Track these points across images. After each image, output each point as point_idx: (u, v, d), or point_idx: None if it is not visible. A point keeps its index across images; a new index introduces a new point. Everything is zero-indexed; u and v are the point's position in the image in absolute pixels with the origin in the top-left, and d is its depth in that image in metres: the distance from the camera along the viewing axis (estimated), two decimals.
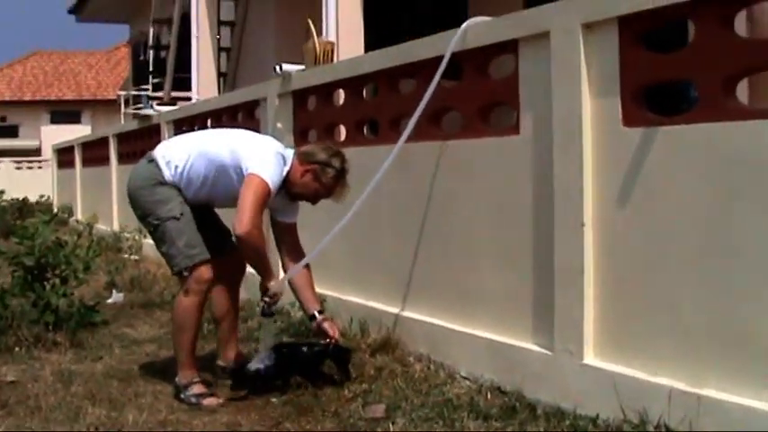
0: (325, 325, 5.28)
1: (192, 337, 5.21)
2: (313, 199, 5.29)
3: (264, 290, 5.15)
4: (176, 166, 5.15)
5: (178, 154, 5.18)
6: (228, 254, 5.29)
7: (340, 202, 5.25)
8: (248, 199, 4.88)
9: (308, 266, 5.32)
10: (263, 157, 5.02)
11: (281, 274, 5.50)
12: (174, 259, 5.13)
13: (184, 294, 5.15)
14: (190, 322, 5.16)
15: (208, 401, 5.03)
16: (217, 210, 5.52)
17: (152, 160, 5.21)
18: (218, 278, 5.30)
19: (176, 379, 5.24)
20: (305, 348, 5.37)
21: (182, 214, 5.11)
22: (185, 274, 5.11)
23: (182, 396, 5.12)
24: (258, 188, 4.91)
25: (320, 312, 5.36)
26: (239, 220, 4.86)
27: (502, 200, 5.18)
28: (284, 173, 5.12)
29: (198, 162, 5.14)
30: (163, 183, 5.14)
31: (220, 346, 5.77)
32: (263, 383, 5.11)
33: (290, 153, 5.22)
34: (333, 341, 5.23)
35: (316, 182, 5.15)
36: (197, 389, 5.14)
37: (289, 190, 5.20)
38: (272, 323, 5.41)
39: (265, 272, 5.15)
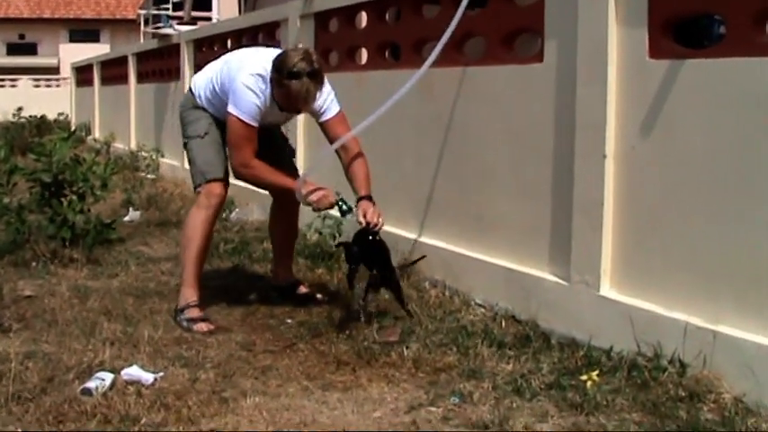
0: (366, 209, 4.91)
1: (197, 253, 5.22)
2: (291, 109, 5.16)
3: (299, 194, 5.03)
4: (200, 93, 5.33)
5: (201, 81, 5.37)
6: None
7: (309, 107, 5.06)
8: (230, 141, 5.11)
9: (361, 155, 5.10)
10: (235, 90, 5.03)
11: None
12: (193, 177, 5.30)
13: (194, 208, 5.27)
14: (195, 235, 5.21)
15: (198, 327, 5.00)
16: None
17: (190, 87, 5.46)
18: (276, 198, 5.50)
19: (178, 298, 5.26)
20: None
21: (206, 133, 5.27)
22: (199, 190, 5.23)
23: (177, 319, 5.12)
24: (233, 127, 5.04)
25: (367, 198, 4.99)
26: (231, 163, 5.17)
27: (523, 128, 5.13)
28: (267, 92, 5.00)
29: (211, 90, 5.27)
30: (196, 107, 5.35)
31: (273, 263, 5.91)
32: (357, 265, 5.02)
33: None
34: (371, 226, 4.87)
35: (280, 91, 4.94)
36: (190, 312, 5.11)
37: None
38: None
39: (282, 187, 5.14)
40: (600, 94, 4.43)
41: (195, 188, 5.29)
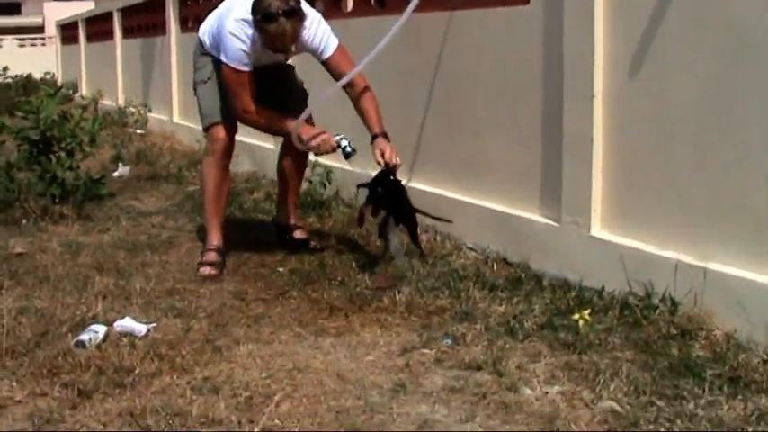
0: (383, 148, 4.91)
1: (213, 197, 5.37)
2: (276, 51, 5.05)
3: (298, 140, 5.07)
4: (205, 40, 5.37)
5: (206, 27, 5.40)
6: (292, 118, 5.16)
7: (291, 51, 5.07)
8: (227, 90, 5.17)
9: (368, 90, 5.09)
10: (222, 38, 5.06)
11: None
12: (201, 120, 5.44)
13: (205, 153, 5.45)
14: (206, 179, 5.39)
15: (201, 270, 5.13)
16: None
17: (199, 34, 5.49)
18: (285, 139, 5.50)
19: None
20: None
21: (208, 79, 5.35)
22: (205, 135, 5.48)
23: None
24: (226, 75, 5.10)
25: (381, 135, 4.98)
26: (233, 110, 5.20)
27: (510, 71, 5.10)
28: (254, 36, 4.94)
29: (211, 36, 5.29)
30: (203, 53, 5.41)
31: (276, 201, 5.99)
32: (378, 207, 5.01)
33: None
34: (389, 165, 4.87)
35: (261, 34, 4.87)
36: (204, 256, 5.25)
37: None
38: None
39: (281, 130, 5.24)
40: (587, 33, 4.40)
41: (204, 134, 5.50)
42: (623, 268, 4.22)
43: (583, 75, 4.45)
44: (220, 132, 5.28)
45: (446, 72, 5.63)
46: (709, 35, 3.89)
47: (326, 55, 5.10)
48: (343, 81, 5.01)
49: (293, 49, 5.07)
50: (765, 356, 3.50)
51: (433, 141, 5.82)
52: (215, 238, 5.33)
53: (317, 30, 5.06)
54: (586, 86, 4.43)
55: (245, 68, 5.01)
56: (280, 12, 4.70)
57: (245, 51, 4.97)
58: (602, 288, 4.30)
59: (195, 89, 5.47)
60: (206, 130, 5.38)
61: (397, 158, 4.89)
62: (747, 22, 3.71)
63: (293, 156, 5.58)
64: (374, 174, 5.00)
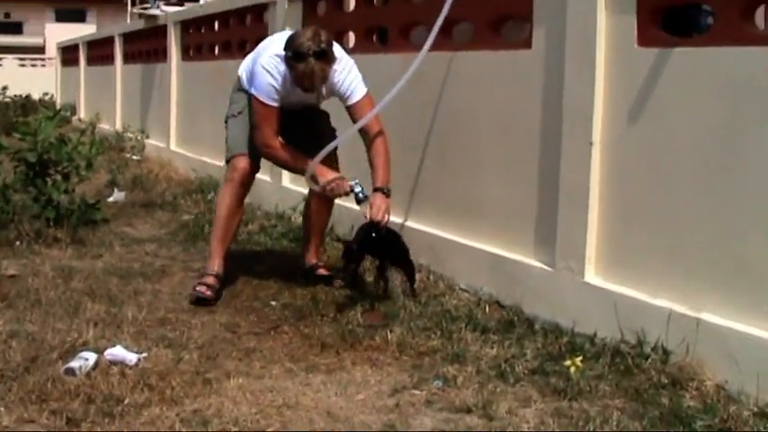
0: (375, 203, 4.94)
1: (221, 224, 5.42)
2: (305, 90, 5.10)
3: (313, 180, 5.12)
4: (242, 76, 5.46)
5: (245, 65, 5.49)
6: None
7: (318, 89, 5.06)
8: (252, 122, 5.26)
9: (382, 142, 5.13)
10: (254, 71, 5.21)
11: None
12: (225, 152, 5.50)
13: (223, 181, 5.51)
14: (219, 206, 5.47)
15: (198, 289, 5.18)
16: None
17: (239, 71, 5.56)
18: None
19: None
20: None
21: (239, 113, 5.44)
22: (226, 166, 5.49)
23: None
24: (254, 107, 5.21)
25: (381, 190, 5.01)
26: (255, 143, 5.26)
27: (511, 114, 5.13)
28: (285, 73, 5.05)
29: (248, 73, 5.38)
30: (240, 89, 5.49)
31: (302, 245, 5.95)
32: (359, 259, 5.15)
33: None
34: (373, 221, 4.89)
35: (292, 72, 4.99)
36: (201, 278, 5.33)
37: None
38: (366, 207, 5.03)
39: (296, 168, 5.30)
40: (588, 81, 4.43)
41: (226, 165, 5.51)
42: (616, 315, 4.23)
43: (582, 121, 4.47)
44: (241, 162, 5.32)
45: (446, 112, 5.65)
46: (707, 85, 3.92)
47: (352, 101, 5.16)
48: (359, 125, 5.08)
49: (323, 91, 5.15)
50: (756, 409, 3.50)
51: (431, 181, 5.83)
52: (216, 265, 5.36)
53: (348, 75, 5.16)
54: (585, 133, 4.45)
55: (273, 103, 5.12)
56: (310, 52, 4.82)
57: (274, 87, 5.09)
58: (595, 334, 4.30)
59: (226, 122, 5.53)
60: (228, 161, 5.43)
61: (386, 217, 4.92)
62: (748, 74, 3.74)
63: (321, 198, 5.56)
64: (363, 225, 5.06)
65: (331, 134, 5.51)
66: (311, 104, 5.42)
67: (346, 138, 5.16)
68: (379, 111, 5.08)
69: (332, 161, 5.30)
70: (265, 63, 5.11)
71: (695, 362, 3.85)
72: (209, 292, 5.15)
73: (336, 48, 5.11)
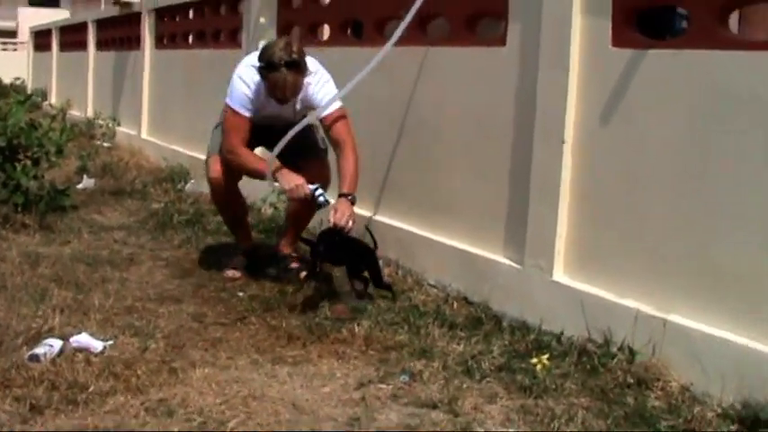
0: (338, 208, 4.89)
1: (228, 218, 5.80)
2: (278, 101, 5.11)
3: (273, 179, 5.09)
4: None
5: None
6: (305, 168, 5.16)
7: (291, 99, 5.10)
8: (222, 129, 5.31)
9: (353, 154, 5.12)
10: (231, 81, 5.24)
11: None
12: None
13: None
14: (217, 205, 5.77)
15: (226, 272, 5.51)
16: None
17: None
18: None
19: None
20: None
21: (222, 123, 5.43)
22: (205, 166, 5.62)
23: None
24: (225, 115, 5.28)
25: (346, 196, 4.98)
26: (221, 149, 5.32)
27: (483, 110, 5.12)
28: (260, 84, 5.08)
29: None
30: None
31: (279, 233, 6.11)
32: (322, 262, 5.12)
33: None
34: (337, 227, 4.84)
35: (265, 82, 5.03)
36: (234, 259, 5.67)
37: None
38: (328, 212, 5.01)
39: (257, 173, 5.15)
40: (561, 79, 4.43)
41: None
42: (583, 314, 4.24)
43: (554, 119, 4.48)
44: (213, 164, 5.39)
45: (418, 107, 5.64)
46: (680, 88, 3.94)
47: (325, 113, 5.13)
48: (321, 111, 5.11)
49: (297, 105, 5.21)
50: (720, 410, 3.52)
51: (401, 176, 5.83)
52: (241, 244, 5.78)
53: (323, 88, 5.19)
54: (557, 131, 4.46)
55: (245, 113, 5.15)
56: (282, 62, 4.86)
57: (248, 96, 5.13)
58: (562, 333, 4.31)
59: (213, 131, 5.57)
60: (206, 162, 5.51)
61: (349, 223, 4.88)
62: (722, 78, 3.76)
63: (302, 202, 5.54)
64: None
65: (315, 145, 5.51)
66: (291, 120, 5.24)
67: (302, 126, 5.04)
68: (342, 97, 5.10)
69: (322, 167, 5.37)
70: (242, 73, 5.16)
71: (661, 362, 3.87)
72: (237, 274, 5.51)
73: (312, 61, 5.15)
